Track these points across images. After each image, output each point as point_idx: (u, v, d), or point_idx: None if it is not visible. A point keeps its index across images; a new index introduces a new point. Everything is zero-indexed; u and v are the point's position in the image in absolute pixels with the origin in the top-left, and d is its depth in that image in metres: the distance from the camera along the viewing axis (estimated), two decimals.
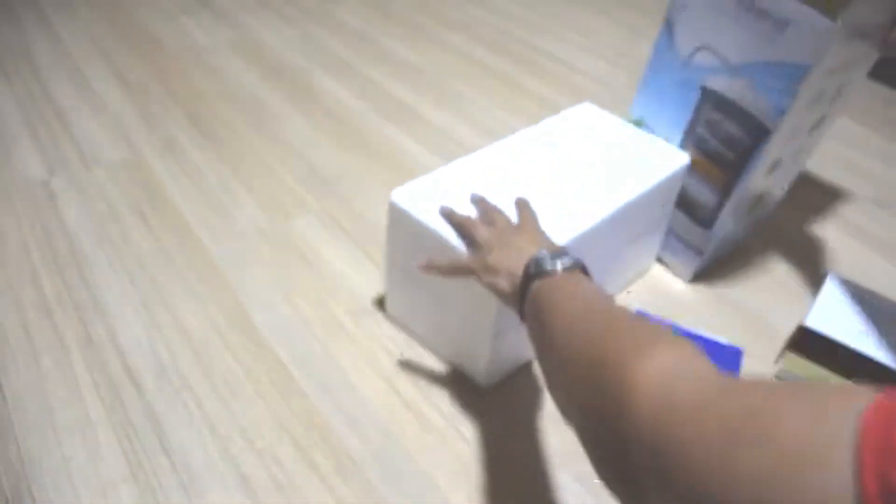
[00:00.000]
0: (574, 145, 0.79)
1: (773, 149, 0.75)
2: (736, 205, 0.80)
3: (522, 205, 0.66)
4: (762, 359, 0.78)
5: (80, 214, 0.89)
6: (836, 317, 0.77)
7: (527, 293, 0.53)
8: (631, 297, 0.85)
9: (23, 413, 0.65)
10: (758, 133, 0.74)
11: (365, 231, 0.91)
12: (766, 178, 0.81)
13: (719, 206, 0.80)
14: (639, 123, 0.87)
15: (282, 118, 1.12)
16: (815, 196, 1.07)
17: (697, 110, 0.80)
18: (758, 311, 0.84)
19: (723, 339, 0.79)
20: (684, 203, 0.84)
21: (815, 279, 0.90)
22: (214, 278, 0.81)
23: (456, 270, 0.63)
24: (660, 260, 0.90)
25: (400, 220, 0.69)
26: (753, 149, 0.75)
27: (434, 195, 0.69)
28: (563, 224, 0.68)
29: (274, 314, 0.77)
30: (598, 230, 0.70)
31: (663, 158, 0.78)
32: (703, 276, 0.89)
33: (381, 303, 0.80)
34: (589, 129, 0.82)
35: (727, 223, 0.82)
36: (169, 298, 0.78)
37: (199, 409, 0.67)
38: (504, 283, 0.57)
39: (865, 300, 0.81)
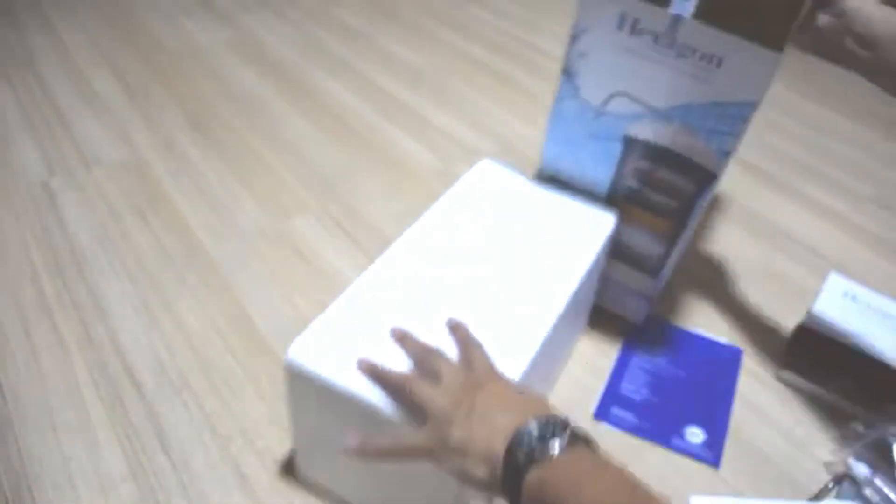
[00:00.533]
0: (489, 226, 0.66)
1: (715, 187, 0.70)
2: (682, 247, 0.75)
3: (462, 335, 0.52)
4: (762, 359, 0.78)
5: (80, 214, 0.89)
6: (836, 317, 0.77)
7: (520, 488, 0.41)
8: None
9: (23, 413, 0.65)
10: (702, 179, 0.67)
11: (365, 231, 0.91)
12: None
13: (666, 254, 0.74)
14: (554, 179, 0.76)
15: (282, 118, 1.12)
16: (816, 196, 1.07)
17: (623, 162, 0.71)
18: (758, 311, 0.84)
19: (723, 339, 0.79)
20: (628, 256, 0.76)
21: (815, 279, 0.89)
22: (214, 278, 0.81)
23: (404, 452, 0.48)
24: (601, 308, 0.81)
25: (305, 386, 0.52)
26: (700, 194, 0.68)
27: (344, 340, 0.53)
28: (513, 341, 0.55)
29: (274, 314, 0.77)
30: (552, 335, 0.58)
31: (590, 223, 0.69)
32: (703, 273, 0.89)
33: None
34: (498, 201, 0.70)
35: (673, 264, 0.77)
36: (169, 298, 0.78)
37: (199, 409, 0.67)
38: (479, 471, 0.43)
39: (865, 300, 0.81)
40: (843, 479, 0.65)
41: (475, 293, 0.59)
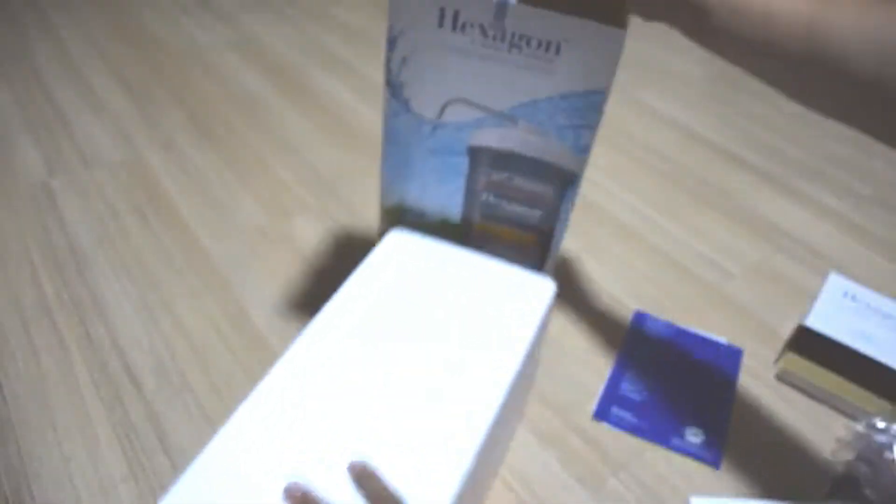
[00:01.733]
0: (406, 310, 0.54)
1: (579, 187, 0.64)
2: (554, 255, 0.69)
3: (374, 489, 0.41)
4: (762, 359, 0.78)
5: (79, 214, 0.89)
6: (836, 317, 0.77)
7: None
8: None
9: (23, 413, 0.65)
10: (561, 180, 0.61)
11: (364, 231, 0.91)
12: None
13: (540, 268, 0.68)
14: (397, 211, 0.68)
15: (282, 118, 1.12)
16: (816, 196, 1.07)
17: (472, 176, 0.63)
18: (758, 311, 0.84)
19: (723, 340, 0.79)
20: None
21: (815, 279, 0.90)
22: (214, 278, 0.81)
23: None
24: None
25: None
26: (562, 198, 0.62)
27: (227, 492, 0.41)
28: (438, 463, 0.44)
29: (274, 314, 0.77)
30: (486, 443, 0.47)
31: (524, 293, 0.57)
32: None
33: None
34: (415, 277, 0.57)
35: (551, 272, 0.71)
36: (169, 298, 0.78)
37: (199, 409, 0.67)
38: None
39: (865, 300, 0.81)
40: (843, 479, 0.65)
41: (393, 399, 0.48)
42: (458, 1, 0.53)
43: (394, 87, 0.59)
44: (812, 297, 0.86)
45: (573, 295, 0.84)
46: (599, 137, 1.15)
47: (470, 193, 0.64)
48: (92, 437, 0.64)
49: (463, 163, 0.62)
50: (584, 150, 0.59)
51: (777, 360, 0.78)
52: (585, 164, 0.60)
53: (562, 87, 0.55)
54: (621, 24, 0.51)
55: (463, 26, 0.54)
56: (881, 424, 0.67)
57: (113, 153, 1.01)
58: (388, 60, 0.58)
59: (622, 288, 0.86)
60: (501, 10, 0.53)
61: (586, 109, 0.56)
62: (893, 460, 0.64)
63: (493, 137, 0.60)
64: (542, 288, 0.57)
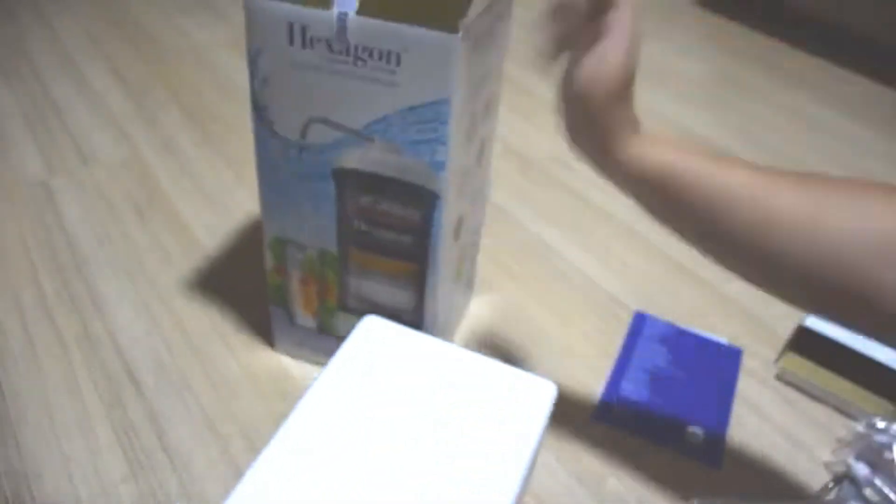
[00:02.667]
0: (385, 414, 0.46)
1: (451, 209, 0.59)
2: (443, 286, 0.67)
3: None
4: (762, 359, 0.78)
5: (79, 213, 0.89)
6: None
7: None
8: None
9: (23, 413, 0.65)
10: (425, 201, 0.57)
11: None
12: (457, 239, 0.64)
13: (421, 302, 0.63)
14: (282, 242, 0.64)
15: None
16: None
17: (340, 201, 0.60)
18: (758, 311, 0.85)
19: (723, 340, 0.79)
20: (384, 316, 0.65)
21: None
22: (214, 277, 0.81)
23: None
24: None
25: None
26: (430, 221, 0.58)
27: None
28: None
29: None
30: None
31: (520, 396, 0.49)
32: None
33: None
34: (394, 375, 0.49)
35: (443, 305, 0.65)
36: (169, 297, 0.78)
37: (199, 408, 0.67)
38: None
39: None
40: (843, 479, 0.65)
41: None
42: (303, 16, 0.52)
43: (258, 108, 0.57)
44: None
45: (573, 295, 0.84)
46: None
47: (342, 220, 0.61)
48: (92, 437, 0.64)
49: (330, 187, 0.60)
50: (440, 167, 0.55)
51: (777, 360, 0.78)
52: (447, 184, 0.57)
53: (407, 99, 0.53)
54: (454, 27, 0.49)
55: (311, 42, 0.53)
56: (881, 424, 0.67)
57: (112, 152, 1.01)
58: (252, 81, 0.56)
59: (622, 288, 0.86)
60: (342, 23, 0.51)
61: (436, 122, 0.53)
62: (893, 460, 0.65)
63: (353, 158, 0.57)
64: (543, 390, 0.50)
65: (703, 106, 1.27)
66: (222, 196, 0.94)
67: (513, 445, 0.46)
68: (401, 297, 0.63)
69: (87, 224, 0.87)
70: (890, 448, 0.66)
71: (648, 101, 1.26)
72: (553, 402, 0.50)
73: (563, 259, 0.89)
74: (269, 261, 0.67)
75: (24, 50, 1.24)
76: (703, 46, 1.50)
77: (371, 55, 0.52)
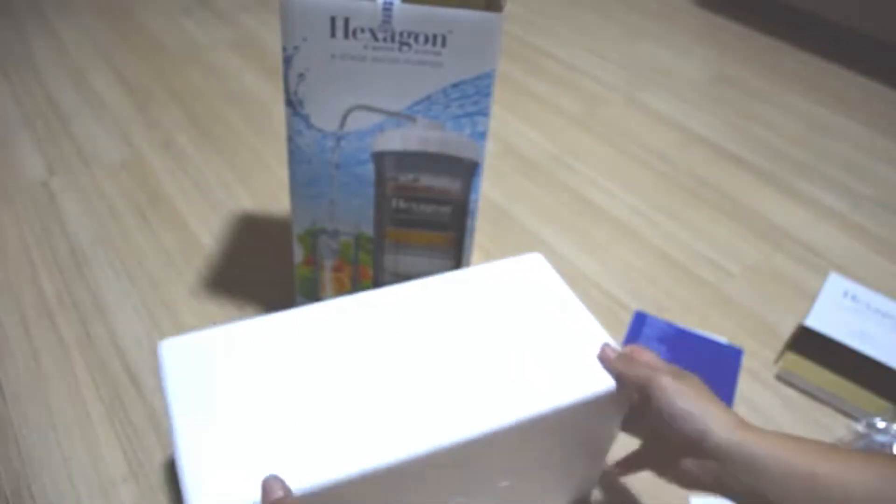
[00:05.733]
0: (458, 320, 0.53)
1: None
2: (468, 253, 0.68)
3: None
4: (762, 359, 0.78)
5: (79, 214, 0.89)
6: (836, 317, 0.77)
7: None
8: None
9: (23, 413, 0.65)
10: (465, 171, 0.63)
11: None
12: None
13: (458, 266, 0.68)
14: (313, 233, 0.69)
15: (281, 118, 1.12)
16: (815, 196, 1.07)
17: (379, 183, 0.64)
18: (758, 311, 0.84)
19: (723, 339, 0.79)
20: None
21: (815, 279, 0.90)
22: (214, 277, 0.81)
23: None
24: None
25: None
26: (468, 190, 0.64)
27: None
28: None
29: (274, 312, 0.77)
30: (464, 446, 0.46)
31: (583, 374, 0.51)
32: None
33: None
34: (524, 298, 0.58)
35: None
36: (169, 298, 0.78)
37: None
38: None
39: (865, 300, 0.81)
40: None
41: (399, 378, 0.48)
42: (348, 8, 0.56)
43: (293, 104, 0.61)
44: (812, 297, 0.86)
45: None
46: (600, 137, 1.15)
47: (381, 201, 0.65)
48: (92, 437, 0.64)
49: (369, 171, 0.63)
50: (481, 137, 0.61)
51: (777, 360, 0.78)
52: (484, 152, 0.62)
53: (452, 76, 0.58)
54: (498, 7, 0.55)
55: (354, 32, 0.57)
56: (881, 424, 0.67)
57: (113, 153, 1.01)
58: (286, 79, 0.60)
59: (622, 288, 0.86)
60: (388, 13, 0.56)
61: (478, 95, 0.59)
62: None
63: (395, 140, 0.61)
64: (602, 379, 0.51)
65: (703, 106, 1.27)
66: (223, 197, 0.94)
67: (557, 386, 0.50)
68: (438, 265, 0.68)
69: (87, 224, 0.88)
70: (890, 448, 0.66)
71: (649, 102, 1.26)
72: (609, 392, 0.51)
73: (563, 259, 0.89)
74: (298, 254, 0.70)
75: (26, 52, 1.24)
76: (703, 46, 1.50)
77: (416, 39, 0.57)
